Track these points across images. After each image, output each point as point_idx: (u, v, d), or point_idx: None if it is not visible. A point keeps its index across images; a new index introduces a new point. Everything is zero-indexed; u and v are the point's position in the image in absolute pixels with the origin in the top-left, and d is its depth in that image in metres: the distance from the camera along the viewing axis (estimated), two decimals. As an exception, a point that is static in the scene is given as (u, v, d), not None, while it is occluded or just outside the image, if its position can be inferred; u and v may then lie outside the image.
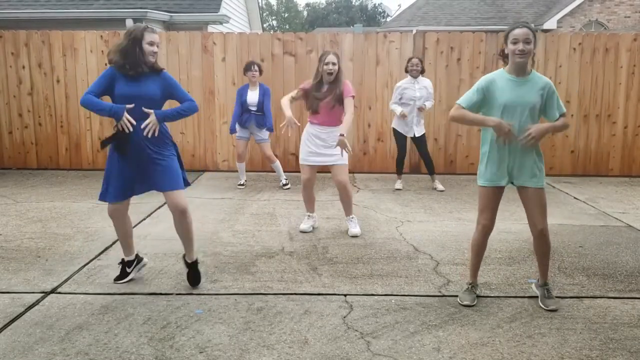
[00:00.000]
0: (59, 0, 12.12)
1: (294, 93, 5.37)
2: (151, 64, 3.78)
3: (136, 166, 3.83)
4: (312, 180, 5.44)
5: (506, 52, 3.54)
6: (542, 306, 3.73)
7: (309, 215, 5.60)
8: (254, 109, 7.29)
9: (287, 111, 5.10)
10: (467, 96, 3.61)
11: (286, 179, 7.66)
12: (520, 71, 3.53)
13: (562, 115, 3.58)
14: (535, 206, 3.63)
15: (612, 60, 8.50)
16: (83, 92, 8.86)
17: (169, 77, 3.91)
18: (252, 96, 7.30)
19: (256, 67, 7.30)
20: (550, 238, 3.74)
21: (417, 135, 7.37)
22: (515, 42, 3.44)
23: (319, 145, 5.29)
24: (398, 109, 7.22)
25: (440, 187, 7.54)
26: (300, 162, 5.43)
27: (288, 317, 3.57)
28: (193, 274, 4.04)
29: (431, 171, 7.63)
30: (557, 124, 3.58)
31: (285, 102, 5.21)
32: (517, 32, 3.43)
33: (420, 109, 7.24)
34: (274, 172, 7.88)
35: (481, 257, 3.88)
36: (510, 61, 3.53)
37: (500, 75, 3.58)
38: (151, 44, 3.73)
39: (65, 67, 8.68)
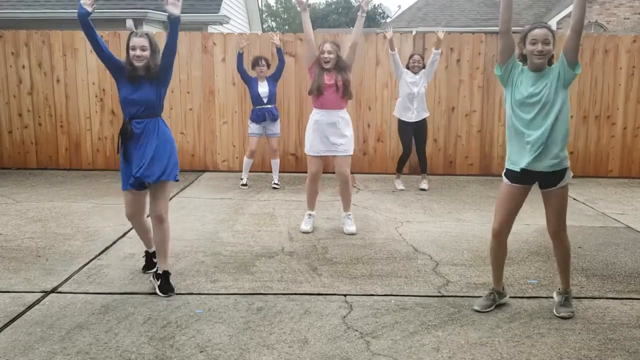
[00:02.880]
0: (59, 0, 12.12)
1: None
2: (140, 68, 3.79)
3: (140, 157, 3.88)
4: (320, 173, 5.44)
5: (524, 52, 3.45)
6: (555, 313, 3.63)
7: (309, 214, 5.59)
8: (266, 100, 7.31)
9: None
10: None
11: (278, 182, 7.70)
12: (539, 70, 3.43)
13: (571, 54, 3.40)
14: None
15: (612, 61, 8.52)
16: (83, 92, 8.92)
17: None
18: (262, 87, 7.33)
19: (264, 62, 7.32)
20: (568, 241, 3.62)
21: (419, 119, 7.34)
22: (534, 43, 3.36)
23: (324, 133, 5.28)
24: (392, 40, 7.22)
25: (424, 186, 7.59)
26: (308, 152, 5.42)
27: (288, 317, 3.58)
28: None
29: (423, 169, 7.69)
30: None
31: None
32: (537, 32, 3.36)
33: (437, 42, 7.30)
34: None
35: (500, 264, 3.74)
36: (528, 62, 3.44)
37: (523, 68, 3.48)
38: (133, 48, 3.76)
39: (65, 67, 8.69)
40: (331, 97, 5.26)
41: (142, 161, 3.83)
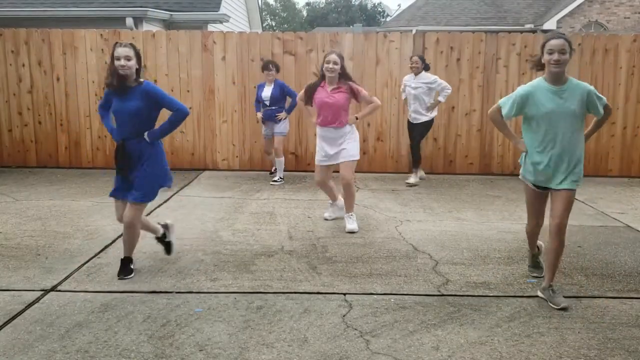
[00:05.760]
0: (59, -2, 12.12)
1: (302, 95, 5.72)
2: (123, 78, 3.97)
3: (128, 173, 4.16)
4: (325, 180, 5.72)
5: (542, 61, 3.69)
6: (554, 306, 3.73)
7: (331, 203, 5.91)
8: (267, 102, 7.63)
9: (312, 116, 5.72)
10: (507, 105, 3.84)
11: (281, 179, 7.86)
12: (557, 80, 3.68)
13: (605, 107, 3.79)
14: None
15: (612, 61, 8.51)
16: (83, 90, 8.92)
17: (151, 88, 4.05)
18: (266, 91, 7.64)
19: (273, 67, 7.65)
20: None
21: (411, 121, 7.87)
22: (550, 53, 3.60)
23: (327, 146, 5.56)
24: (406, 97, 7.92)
25: (412, 180, 7.87)
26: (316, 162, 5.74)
27: (287, 316, 3.58)
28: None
29: (414, 164, 8.03)
30: (601, 120, 3.95)
31: (303, 107, 5.84)
32: (553, 42, 3.60)
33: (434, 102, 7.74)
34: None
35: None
36: (546, 70, 3.69)
37: (538, 86, 3.72)
38: (117, 58, 3.92)
39: (65, 66, 8.68)
40: (329, 114, 5.49)
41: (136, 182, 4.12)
